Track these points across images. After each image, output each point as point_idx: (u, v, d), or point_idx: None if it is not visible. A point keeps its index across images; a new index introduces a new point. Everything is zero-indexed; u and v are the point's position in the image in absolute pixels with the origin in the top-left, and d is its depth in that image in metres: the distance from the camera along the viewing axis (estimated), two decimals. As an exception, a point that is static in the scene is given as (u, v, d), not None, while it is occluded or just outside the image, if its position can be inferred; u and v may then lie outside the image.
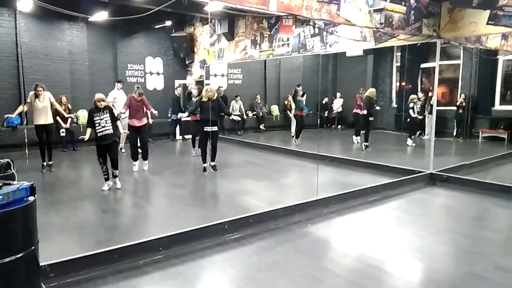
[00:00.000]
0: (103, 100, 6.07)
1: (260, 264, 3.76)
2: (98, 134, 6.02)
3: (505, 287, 3.31)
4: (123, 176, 6.90)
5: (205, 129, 7.25)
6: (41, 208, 2.76)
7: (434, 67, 7.78)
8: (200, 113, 7.32)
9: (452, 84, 12.85)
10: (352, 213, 5.29)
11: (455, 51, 12.38)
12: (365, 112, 10.07)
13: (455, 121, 11.98)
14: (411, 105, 10.75)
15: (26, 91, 9.74)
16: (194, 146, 9.32)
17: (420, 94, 11.88)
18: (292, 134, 11.65)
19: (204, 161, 7.46)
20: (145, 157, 7.60)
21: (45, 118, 7.40)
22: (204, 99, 7.20)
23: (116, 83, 9.92)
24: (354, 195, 5.73)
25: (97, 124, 6.00)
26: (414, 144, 10.72)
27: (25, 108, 7.39)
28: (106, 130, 6.00)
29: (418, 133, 11.41)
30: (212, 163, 7.54)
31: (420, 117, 11.00)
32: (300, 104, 10.73)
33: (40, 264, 2.80)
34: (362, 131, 10.72)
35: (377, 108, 10.88)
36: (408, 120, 10.99)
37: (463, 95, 11.81)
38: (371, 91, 10.29)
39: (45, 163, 7.49)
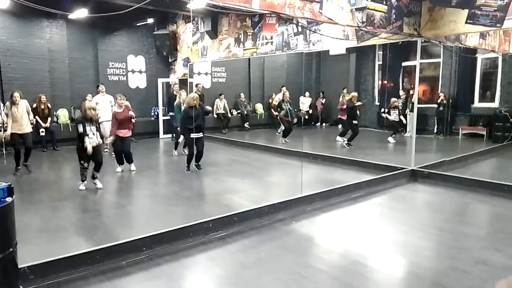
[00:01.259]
0: (94, 109, 6.08)
1: (245, 262, 3.75)
2: (85, 144, 5.92)
3: (486, 281, 3.37)
4: (105, 176, 6.80)
5: (192, 136, 7.22)
6: (19, 209, 2.70)
7: (415, 65, 7.89)
8: (188, 122, 7.14)
9: (433, 82, 13.07)
10: (335, 210, 5.33)
11: (435, 49, 12.59)
12: (352, 118, 10.16)
13: (436, 119, 12.19)
14: (392, 111, 10.93)
15: (4, 90, 9.52)
16: (175, 148, 9.26)
17: (402, 92, 12.06)
18: (279, 132, 11.69)
19: (189, 163, 7.42)
20: (129, 161, 7.50)
21: (23, 127, 7.17)
22: (189, 107, 7.15)
23: (97, 87, 9.67)
24: (338, 192, 5.78)
25: (87, 134, 5.93)
26: (394, 141, 10.87)
27: (8, 120, 7.06)
28: (93, 141, 5.98)
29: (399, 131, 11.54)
30: (196, 163, 7.53)
31: (402, 118, 11.17)
32: (288, 109, 10.76)
33: (19, 266, 2.74)
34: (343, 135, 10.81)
35: (359, 103, 10.94)
36: (388, 120, 11.15)
37: (443, 93, 12.02)
38: (352, 95, 10.34)
39: (19, 166, 7.22)
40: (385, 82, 13.56)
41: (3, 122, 7.00)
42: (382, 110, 11.41)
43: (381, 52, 14.02)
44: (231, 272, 3.58)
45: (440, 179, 6.70)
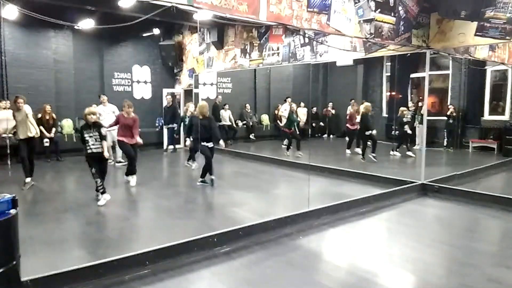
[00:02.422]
0: (93, 114, 5.98)
1: (250, 279, 3.64)
2: (88, 151, 5.91)
3: (500, 301, 3.24)
4: (109, 189, 6.73)
5: (206, 145, 6.98)
6: (23, 221, 2.64)
7: (424, 77, 7.81)
8: (201, 131, 6.92)
9: (442, 94, 12.96)
10: (343, 225, 5.21)
11: (444, 61, 12.51)
12: (366, 129, 9.97)
13: (445, 131, 12.03)
14: (404, 119, 10.70)
15: (10, 100, 9.54)
16: (190, 159, 9.05)
17: (410, 104, 11.95)
18: (285, 144, 11.61)
19: (205, 175, 7.17)
20: (132, 172, 7.29)
21: (25, 131, 7.00)
22: (200, 117, 6.97)
23: (99, 97, 9.67)
24: (346, 206, 5.66)
25: (87, 141, 5.89)
26: (399, 154, 10.70)
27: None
28: (96, 148, 5.90)
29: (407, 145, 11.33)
30: (212, 177, 7.20)
31: (410, 131, 10.96)
32: (295, 122, 10.70)
33: (22, 279, 2.68)
34: (360, 145, 10.61)
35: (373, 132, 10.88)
36: (399, 132, 10.94)
37: (452, 106, 11.90)
38: (366, 106, 10.19)
39: (27, 180, 7.00)
40: (393, 93, 13.46)
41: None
42: (400, 122, 11.02)
43: (389, 64, 13.96)
44: (236, 289, 3.48)
45: (450, 194, 6.56)
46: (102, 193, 5.95)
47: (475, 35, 5.82)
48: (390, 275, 3.75)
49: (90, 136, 5.89)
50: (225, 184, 7.50)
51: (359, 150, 10.62)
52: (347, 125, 11.51)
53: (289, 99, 11.84)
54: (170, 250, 3.90)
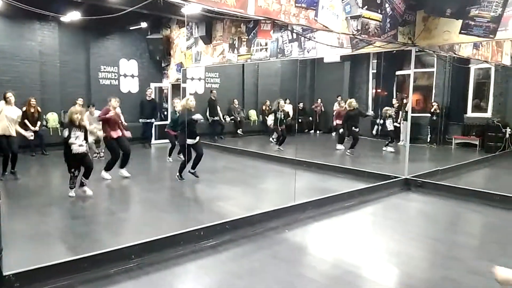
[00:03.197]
0: (80, 113, 5.86)
1: (237, 271, 3.67)
2: (73, 151, 5.72)
3: (479, 292, 3.34)
4: (96, 182, 6.68)
5: (188, 142, 6.86)
6: (6, 214, 2.60)
7: (409, 75, 7.92)
8: (187, 126, 6.78)
9: (426, 92, 13.16)
10: (329, 219, 5.28)
11: (429, 59, 12.69)
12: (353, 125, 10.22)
13: (429, 128, 12.23)
14: (387, 120, 10.91)
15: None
16: (170, 155, 9.11)
17: (395, 101, 12.10)
18: (272, 139, 11.68)
19: (182, 171, 7.13)
20: (124, 165, 7.25)
21: (11, 129, 6.89)
22: (191, 110, 6.88)
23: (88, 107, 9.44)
24: (331, 201, 5.73)
25: (71, 142, 5.70)
26: (393, 150, 10.87)
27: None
28: (80, 148, 5.76)
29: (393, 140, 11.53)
30: (193, 170, 7.16)
31: (397, 125, 11.18)
32: (282, 119, 10.79)
33: (4, 273, 2.64)
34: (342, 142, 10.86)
35: (369, 114, 11.05)
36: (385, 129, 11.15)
37: (436, 103, 12.08)
38: (348, 102, 10.39)
39: (6, 172, 6.98)
40: (379, 90, 13.62)
41: None
42: (378, 121, 11.36)
43: (375, 61, 14.11)
44: (222, 282, 3.50)
45: (433, 188, 6.68)
46: (71, 188, 5.89)
47: (460, 33, 5.90)
48: (374, 268, 3.82)
49: (77, 137, 5.73)
50: (212, 179, 7.50)
51: (340, 147, 10.79)
52: (336, 121, 11.64)
53: (281, 101, 11.68)
54: (156, 244, 3.89)
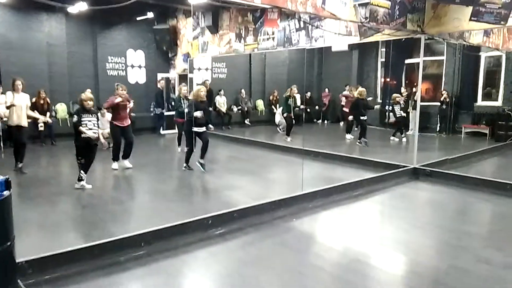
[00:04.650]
0: (91, 100, 5.89)
1: (245, 259, 3.71)
2: (83, 136, 5.75)
3: (487, 280, 3.33)
4: (105, 173, 6.74)
5: (194, 129, 6.88)
6: (17, 204, 2.65)
7: (418, 63, 7.82)
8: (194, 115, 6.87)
9: (436, 80, 12.98)
10: (336, 208, 5.28)
11: (439, 47, 12.50)
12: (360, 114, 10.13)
13: (438, 117, 12.09)
14: (396, 106, 10.77)
15: (3, 84, 9.44)
16: (179, 145, 9.12)
17: (403, 90, 11.97)
18: (280, 129, 11.65)
19: (188, 160, 7.17)
20: (127, 156, 7.29)
21: (21, 119, 6.80)
22: (201, 100, 6.93)
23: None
24: (339, 190, 5.72)
25: (84, 125, 5.74)
26: (403, 139, 10.79)
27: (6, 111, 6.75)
28: (93, 133, 5.79)
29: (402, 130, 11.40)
30: (202, 161, 7.13)
31: (404, 114, 11.04)
32: (289, 107, 10.73)
33: (17, 260, 2.69)
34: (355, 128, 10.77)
35: (376, 107, 10.94)
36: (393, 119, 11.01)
37: (445, 91, 11.94)
38: (360, 91, 10.30)
39: (19, 164, 6.93)
40: (388, 79, 13.47)
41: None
42: (387, 108, 11.23)
43: (384, 49, 13.92)
44: (230, 269, 3.54)
45: (442, 178, 6.64)
46: (80, 180, 5.89)
47: (470, 20, 5.79)
48: (382, 256, 3.83)
49: (89, 121, 5.79)
50: (220, 169, 7.53)
51: (349, 136, 10.74)
52: (344, 109, 11.57)
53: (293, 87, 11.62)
54: (165, 232, 3.93)
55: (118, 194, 6.08)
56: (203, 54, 11.16)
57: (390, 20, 6.01)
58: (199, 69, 13.18)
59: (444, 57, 12.53)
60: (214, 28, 10.18)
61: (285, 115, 10.86)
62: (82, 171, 5.88)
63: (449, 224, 4.80)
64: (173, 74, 12.73)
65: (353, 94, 11.12)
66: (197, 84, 11.26)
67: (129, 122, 7.25)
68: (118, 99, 6.96)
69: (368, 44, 11.65)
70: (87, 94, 6.06)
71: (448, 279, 3.33)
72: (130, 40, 12.17)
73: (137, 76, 12.42)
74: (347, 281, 3.29)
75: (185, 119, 7.37)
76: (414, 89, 11.71)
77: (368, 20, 5.69)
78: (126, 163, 7.33)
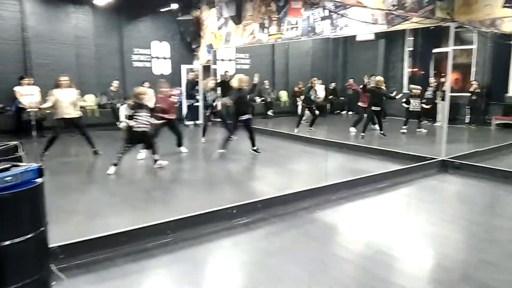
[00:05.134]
0: (142, 94, 6.30)
1: (269, 249, 3.73)
2: (134, 129, 6.20)
3: (518, 275, 3.24)
4: (128, 164, 6.86)
5: (243, 117, 7.58)
6: (50, 191, 2.74)
7: (446, 52, 7.58)
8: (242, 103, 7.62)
9: (465, 70, 12.59)
10: (361, 200, 5.23)
11: (468, 35, 12.10)
12: (374, 104, 9.79)
13: (468, 108, 11.75)
14: (412, 99, 10.37)
15: (33, 76, 9.74)
16: (204, 135, 9.33)
17: (432, 80, 11.65)
18: (304, 119, 11.57)
19: (225, 145, 7.62)
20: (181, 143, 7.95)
21: (71, 111, 7.26)
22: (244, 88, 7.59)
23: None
24: (364, 182, 5.65)
25: (135, 119, 6.17)
26: (424, 130, 10.54)
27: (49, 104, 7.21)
28: (144, 127, 6.25)
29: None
30: (254, 147, 7.80)
31: (418, 108, 10.60)
32: (309, 98, 10.65)
33: (50, 245, 2.80)
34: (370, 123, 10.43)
35: (397, 96, 10.45)
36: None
37: (475, 82, 11.56)
38: (378, 80, 9.90)
39: (46, 152, 7.25)
40: (415, 69, 13.15)
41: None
42: (403, 100, 10.84)
43: (411, 38, 13.59)
44: (255, 258, 3.57)
45: (471, 170, 6.45)
46: (115, 165, 6.19)
47: (503, 6, 5.58)
48: (408, 249, 3.77)
49: (141, 115, 6.20)
50: (244, 159, 7.56)
51: (375, 127, 10.48)
52: (360, 103, 11.30)
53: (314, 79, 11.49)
54: (190, 220, 3.99)
55: (145, 184, 6.18)
56: (226, 45, 11.16)
57: (418, 8, 5.86)
58: (223, 60, 13.22)
59: (474, 46, 12.13)
60: (238, 18, 10.14)
61: (305, 106, 10.77)
62: (120, 156, 6.22)
63: (479, 217, 4.68)
64: (197, 65, 12.80)
65: (369, 83, 10.72)
66: (220, 75, 11.33)
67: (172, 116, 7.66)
68: (174, 99, 7.75)
69: (394, 32, 11.42)
70: (139, 89, 6.51)
71: (477, 273, 3.26)
72: (155, 31, 12.32)
73: (162, 67, 12.56)
74: (371, 272, 3.27)
75: (210, 111, 7.81)
76: (442, 79, 11.38)
77: (395, 7, 5.57)
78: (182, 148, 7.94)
